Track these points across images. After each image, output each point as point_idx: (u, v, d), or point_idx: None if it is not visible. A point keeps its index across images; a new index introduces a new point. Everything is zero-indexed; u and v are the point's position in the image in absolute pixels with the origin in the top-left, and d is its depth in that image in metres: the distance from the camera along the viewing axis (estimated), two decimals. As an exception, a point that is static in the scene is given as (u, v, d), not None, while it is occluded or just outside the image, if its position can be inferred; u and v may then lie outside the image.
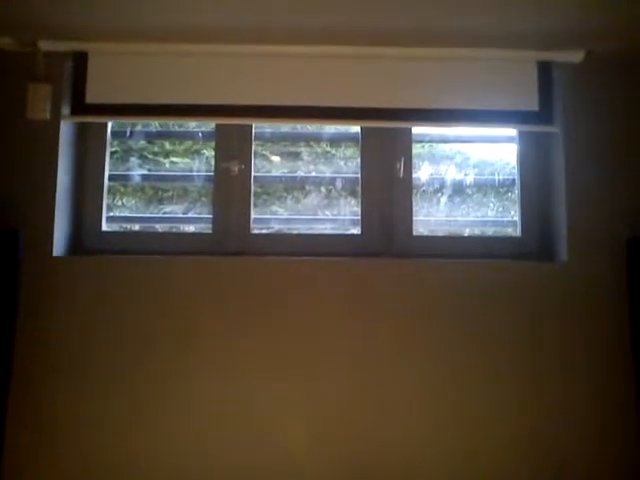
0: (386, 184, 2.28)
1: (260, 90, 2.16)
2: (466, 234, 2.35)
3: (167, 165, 2.37)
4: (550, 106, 2.20)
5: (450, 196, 2.36)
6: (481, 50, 2.14)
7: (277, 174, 2.37)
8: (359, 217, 2.29)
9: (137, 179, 2.36)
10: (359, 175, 2.30)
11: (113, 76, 2.17)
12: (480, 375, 2.08)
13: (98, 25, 2.01)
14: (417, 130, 2.32)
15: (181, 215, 2.34)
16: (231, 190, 2.28)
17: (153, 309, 2.09)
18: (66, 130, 2.20)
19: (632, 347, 2.08)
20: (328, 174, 2.36)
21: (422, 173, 2.36)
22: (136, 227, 2.34)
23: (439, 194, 2.36)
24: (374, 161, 2.30)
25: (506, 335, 2.10)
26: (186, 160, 2.37)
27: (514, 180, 2.34)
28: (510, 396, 2.08)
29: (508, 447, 2.06)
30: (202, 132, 2.36)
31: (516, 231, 2.30)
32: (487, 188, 2.37)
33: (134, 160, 2.36)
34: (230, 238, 2.25)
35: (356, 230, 2.30)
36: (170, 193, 2.35)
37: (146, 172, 2.36)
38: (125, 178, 2.36)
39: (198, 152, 2.36)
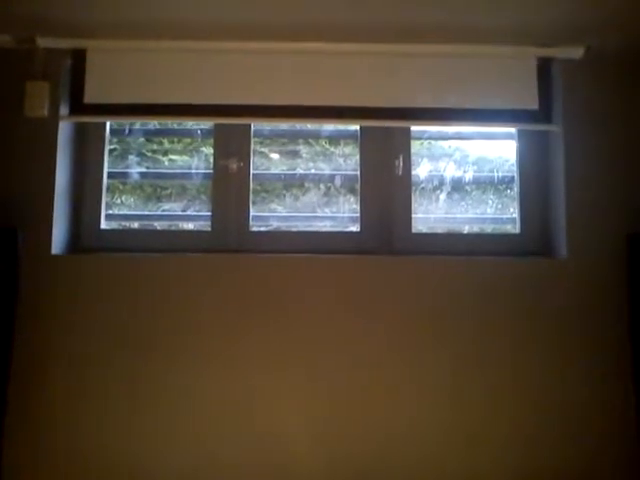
0: (385, 181, 2.28)
1: (258, 89, 2.16)
2: (465, 231, 2.35)
3: (166, 163, 2.37)
4: (550, 105, 2.20)
5: (449, 193, 2.35)
6: (480, 47, 2.14)
7: (276, 171, 2.37)
8: (358, 214, 2.28)
9: (136, 177, 2.36)
10: (358, 172, 2.30)
11: (111, 74, 2.17)
12: (479, 372, 2.08)
13: (96, 22, 2.00)
14: (416, 127, 2.32)
15: (180, 213, 2.34)
16: (230, 188, 2.28)
17: (152, 307, 2.09)
18: (65, 128, 2.19)
19: (631, 343, 2.08)
20: (327, 171, 2.35)
21: (421, 170, 2.36)
22: (135, 225, 2.34)
23: (438, 191, 2.35)
24: (373, 158, 2.29)
25: (505, 332, 2.10)
26: (185, 158, 2.36)
27: (513, 177, 2.33)
28: (509, 394, 2.08)
29: (508, 446, 2.06)
30: (201, 130, 2.36)
31: (515, 228, 2.30)
32: (486, 185, 2.36)
33: (133, 158, 2.36)
34: (229, 236, 2.25)
35: (355, 227, 2.30)
36: (169, 191, 2.35)
37: (145, 170, 2.36)
38: (124, 176, 2.36)
39: (197, 150, 2.36)
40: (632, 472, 2.05)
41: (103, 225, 2.27)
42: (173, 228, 2.33)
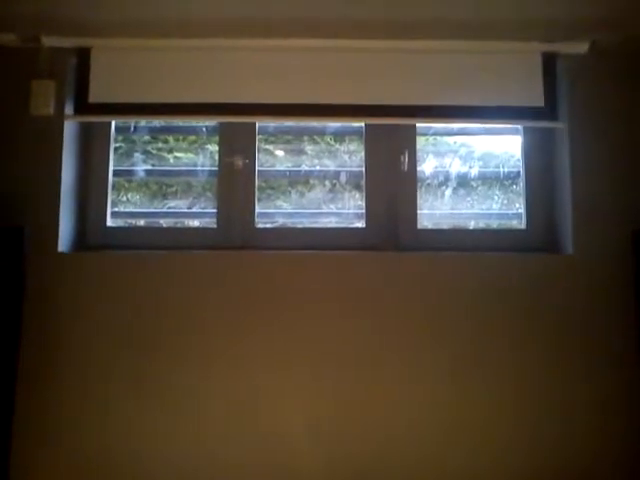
0: (390, 177, 2.28)
1: (264, 87, 2.16)
2: (471, 227, 2.35)
3: (171, 160, 2.37)
4: (555, 101, 2.19)
5: (455, 189, 2.35)
6: (485, 43, 2.14)
7: (281, 168, 2.37)
8: (363, 211, 2.28)
9: (141, 174, 2.36)
10: (363, 169, 2.30)
11: (116, 72, 2.17)
12: (484, 369, 2.08)
13: (101, 21, 2.01)
14: (421, 123, 2.31)
15: (185, 210, 2.34)
16: (235, 185, 2.28)
17: (158, 304, 2.09)
18: (70, 126, 2.20)
19: (637, 340, 2.07)
20: (332, 168, 2.35)
21: (426, 166, 2.36)
22: (141, 222, 2.35)
23: (443, 187, 2.35)
24: (378, 155, 2.29)
25: (510, 328, 2.09)
26: (190, 155, 2.37)
27: (519, 172, 2.33)
28: (513, 391, 2.07)
29: (509, 445, 2.05)
30: (206, 127, 2.36)
31: (521, 224, 2.30)
32: (492, 181, 2.36)
33: (138, 155, 2.36)
34: (235, 232, 2.26)
35: (360, 224, 2.29)
36: (174, 188, 2.35)
37: (150, 167, 2.36)
38: (129, 173, 2.36)
39: (202, 147, 2.36)
40: (634, 472, 2.04)
41: (109, 223, 2.28)
42: (179, 225, 2.34)
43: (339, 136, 2.37)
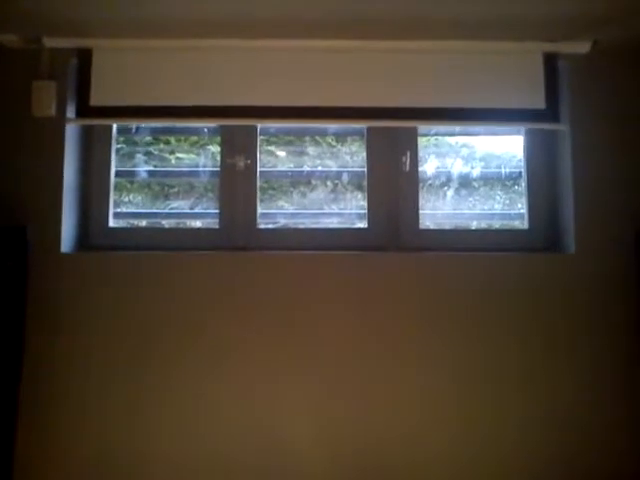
0: (392, 178, 2.28)
1: (265, 89, 2.16)
2: (473, 227, 2.35)
3: (173, 161, 2.37)
4: (557, 103, 2.18)
5: (456, 189, 2.35)
6: (486, 43, 2.13)
7: (283, 169, 2.37)
8: (365, 211, 2.28)
9: (143, 175, 2.36)
10: (365, 169, 2.30)
11: (117, 74, 2.17)
12: (487, 369, 2.08)
13: (102, 22, 2.01)
14: (423, 126, 2.31)
15: (187, 211, 2.34)
16: (237, 185, 2.28)
17: (160, 304, 2.09)
18: (72, 127, 2.20)
19: (641, 339, 2.08)
20: (334, 168, 2.35)
21: (428, 166, 2.36)
22: (143, 223, 2.35)
23: (445, 187, 2.35)
24: (380, 155, 2.29)
25: (513, 328, 2.09)
26: (192, 156, 2.37)
27: (521, 172, 2.33)
28: (516, 391, 2.07)
29: (512, 444, 2.05)
30: (207, 128, 2.36)
31: (523, 224, 2.30)
32: (494, 181, 2.36)
33: (140, 156, 2.36)
34: (236, 233, 2.26)
35: (362, 224, 2.29)
36: (176, 189, 2.36)
37: (152, 168, 2.36)
38: (131, 174, 2.36)
39: (204, 148, 2.36)
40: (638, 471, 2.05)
41: (111, 223, 2.28)
42: (181, 226, 2.34)
43: (341, 136, 2.37)
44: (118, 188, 2.33)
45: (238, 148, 2.28)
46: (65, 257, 2.11)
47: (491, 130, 2.37)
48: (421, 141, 2.33)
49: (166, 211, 2.35)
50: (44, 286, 2.08)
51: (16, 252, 2.02)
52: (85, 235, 2.26)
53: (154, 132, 2.38)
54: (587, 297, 2.11)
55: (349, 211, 2.34)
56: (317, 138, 2.37)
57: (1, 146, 2.13)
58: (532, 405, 2.07)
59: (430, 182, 2.35)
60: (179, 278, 2.11)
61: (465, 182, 2.35)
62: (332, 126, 2.35)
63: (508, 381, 2.08)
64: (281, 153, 2.37)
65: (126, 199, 2.35)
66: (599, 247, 2.12)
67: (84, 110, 2.18)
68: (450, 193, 2.35)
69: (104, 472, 2.04)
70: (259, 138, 2.30)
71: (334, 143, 2.37)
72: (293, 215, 2.34)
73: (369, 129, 2.30)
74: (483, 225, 2.35)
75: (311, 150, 2.37)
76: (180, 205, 2.34)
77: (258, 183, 2.29)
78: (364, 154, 2.31)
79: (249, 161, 2.27)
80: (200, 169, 2.35)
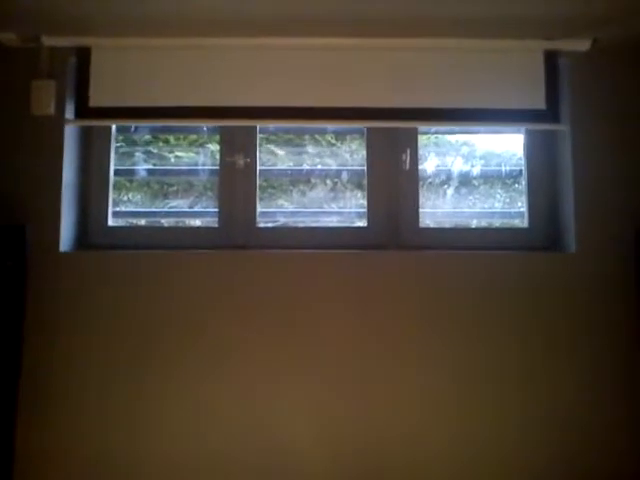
0: (392, 176, 2.28)
1: (265, 89, 2.15)
2: (473, 226, 2.34)
3: (172, 159, 2.37)
4: (557, 103, 2.17)
5: (456, 188, 2.34)
6: (486, 41, 2.12)
7: (282, 167, 2.36)
8: (365, 210, 2.28)
9: (142, 174, 2.36)
10: (365, 167, 2.30)
11: (116, 73, 2.16)
12: (486, 368, 2.07)
13: (101, 21, 2.00)
14: (423, 127, 2.30)
15: (187, 209, 2.34)
16: (236, 184, 2.27)
17: (159, 303, 2.09)
18: (71, 126, 2.19)
19: (641, 338, 2.07)
20: (334, 167, 2.35)
21: (428, 165, 2.35)
22: (142, 222, 2.34)
23: (445, 186, 2.34)
24: (380, 153, 2.29)
25: (513, 328, 2.09)
26: (191, 154, 2.36)
27: (521, 171, 2.32)
28: (516, 390, 2.07)
29: (513, 443, 2.05)
30: (207, 126, 2.35)
31: (523, 222, 2.29)
32: (494, 179, 2.35)
33: (139, 155, 2.36)
34: (236, 232, 2.25)
35: (362, 223, 2.29)
36: (175, 187, 2.35)
37: (151, 167, 2.36)
38: (130, 173, 2.36)
39: (203, 146, 2.36)
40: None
41: (110, 222, 2.28)
42: (180, 225, 2.34)
43: (340, 135, 2.36)
44: (117, 187, 2.33)
45: (237, 146, 2.28)
46: (64, 256, 2.11)
47: (491, 128, 2.36)
48: (421, 139, 2.32)
49: (165, 210, 2.34)
50: (43, 285, 2.08)
51: (15, 251, 2.02)
52: (84, 234, 2.25)
53: (153, 131, 2.38)
54: (587, 296, 2.10)
55: (349, 210, 2.33)
56: (317, 136, 2.37)
57: (0, 145, 2.13)
58: (532, 405, 2.06)
59: (430, 180, 2.34)
60: (178, 277, 2.10)
61: (465, 180, 2.35)
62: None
63: (508, 381, 2.07)
64: (280, 151, 2.37)
65: (125, 198, 2.35)
66: (599, 246, 2.11)
67: (83, 111, 2.17)
68: (450, 191, 2.34)
69: (104, 472, 2.03)
70: (258, 136, 2.30)
71: (334, 141, 2.37)
72: (293, 214, 2.33)
73: (369, 127, 2.29)
74: (483, 224, 2.34)
75: (311, 148, 2.37)
76: (179, 204, 2.34)
77: (258, 182, 2.28)
78: (364, 152, 2.31)
79: (248, 159, 2.27)
80: (199, 168, 2.35)
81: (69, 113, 2.17)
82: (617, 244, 2.11)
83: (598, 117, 2.15)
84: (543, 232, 2.26)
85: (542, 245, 2.24)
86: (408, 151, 2.26)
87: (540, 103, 2.17)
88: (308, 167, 2.36)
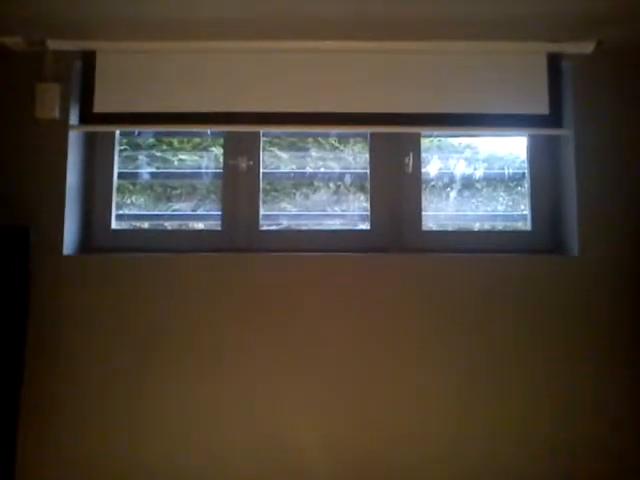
0: (395, 179, 2.28)
1: (268, 95, 2.16)
2: (476, 229, 2.34)
3: (175, 162, 2.37)
4: (560, 107, 2.17)
5: (459, 190, 2.34)
6: (489, 43, 2.13)
7: (286, 170, 2.37)
8: (368, 212, 2.28)
9: (146, 177, 2.37)
10: (368, 170, 2.30)
11: (121, 78, 2.17)
12: (489, 371, 2.07)
13: (106, 24, 2.01)
14: (426, 132, 2.30)
15: (190, 212, 2.34)
16: (240, 187, 2.28)
17: (163, 306, 2.09)
18: (75, 132, 2.20)
19: (645, 341, 2.06)
20: (337, 170, 2.35)
21: (431, 168, 2.35)
22: (145, 225, 2.35)
23: (448, 189, 2.34)
24: (383, 156, 2.29)
25: (516, 330, 2.08)
26: (194, 157, 2.37)
27: (524, 174, 2.32)
28: (519, 392, 2.06)
29: (516, 446, 2.04)
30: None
31: (526, 225, 2.29)
32: (497, 182, 2.35)
33: (143, 158, 2.37)
34: (239, 235, 2.26)
35: (365, 225, 2.29)
36: (179, 191, 2.36)
37: (155, 170, 2.37)
38: (134, 176, 2.37)
39: (206, 149, 2.37)
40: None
41: (114, 225, 2.28)
42: (183, 228, 2.34)
43: (343, 138, 2.37)
44: (121, 190, 2.34)
45: (241, 150, 2.28)
46: (67, 259, 2.12)
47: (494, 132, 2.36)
48: (424, 142, 2.32)
49: (168, 213, 2.35)
50: (46, 287, 2.09)
51: (18, 254, 2.03)
52: (87, 237, 2.26)
53: (157, 134, 2.39)
54: (590, 298, 2.10)
55: (352, 213, 2.33)
56: (320, 140, 2.37)
57: (5, 148, 2.14)
58: (533, 406, 2.05)
59: (433, 183, 2.34)
60: (181, 280, 2.11)
61: (468, 183, 2.35)
62: (334, 128, 2.35)
63: (509, 383, 2.07)
64: (284, 154, 2.37)
65: (128, 201, 2.35)
66: (602, 249, 2.11)
67: (87, 117, 2.18)
68: (453, 194, 2.34)
69: (104, 472, 2.03)
70: (262, 140, 2.30)
71: (337, 144, 2.37)
72: (296, 217, 2.33)
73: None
74: (486, 226, 2.34)
75: (314, 151, 2.37)
76: (182, 207, 2.35)
77: (261, 185, 2.29)
78: (367, 155, 2.31)
79: (251, 162, 2.27)
80: (202, 171, 2.35)
81: (73, 118, 2.18)
82: (620, 247, 2.11)
83: (601, 120, 2.15)
84: (546, 235, 2.26)
85: (545, 248, 2.24)
86: (411, 154, 2.27)
87: (543, 108, 2.17)
88: (311, 170, 2.36)
